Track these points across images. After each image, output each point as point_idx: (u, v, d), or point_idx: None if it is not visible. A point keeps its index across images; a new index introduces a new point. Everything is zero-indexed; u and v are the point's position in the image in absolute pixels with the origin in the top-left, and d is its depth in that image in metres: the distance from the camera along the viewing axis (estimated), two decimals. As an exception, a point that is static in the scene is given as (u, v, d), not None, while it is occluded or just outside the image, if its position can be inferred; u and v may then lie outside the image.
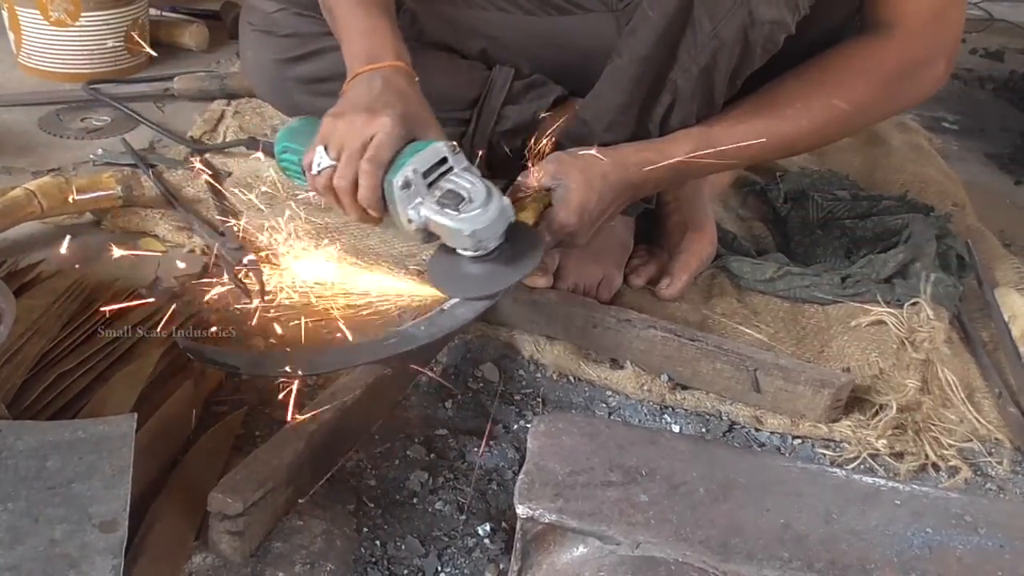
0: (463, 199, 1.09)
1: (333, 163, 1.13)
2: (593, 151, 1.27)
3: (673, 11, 1.20)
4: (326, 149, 1.13)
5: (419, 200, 1.10)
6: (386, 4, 1.26)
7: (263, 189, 1.56)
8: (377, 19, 1.23)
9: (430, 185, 1.10)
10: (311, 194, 1.21)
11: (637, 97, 1.28)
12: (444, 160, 1.11)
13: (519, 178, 1.27)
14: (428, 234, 1.13)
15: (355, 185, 1.12)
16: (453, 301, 1.19)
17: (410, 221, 1.11)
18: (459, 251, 1.12)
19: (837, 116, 1.28)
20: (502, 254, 1.12)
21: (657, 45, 1.23)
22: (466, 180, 1.10)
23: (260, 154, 1.64)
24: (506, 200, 1.11)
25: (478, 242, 1.10)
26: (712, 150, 1.28)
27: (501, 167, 1.52)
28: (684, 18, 1.21)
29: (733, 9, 1.18)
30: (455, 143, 1.14)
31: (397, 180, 1.09)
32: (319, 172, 1.14)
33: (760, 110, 1.29)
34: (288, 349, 1.19)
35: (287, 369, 1.09)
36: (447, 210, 1.09)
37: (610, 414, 1.23)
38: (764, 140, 1.28)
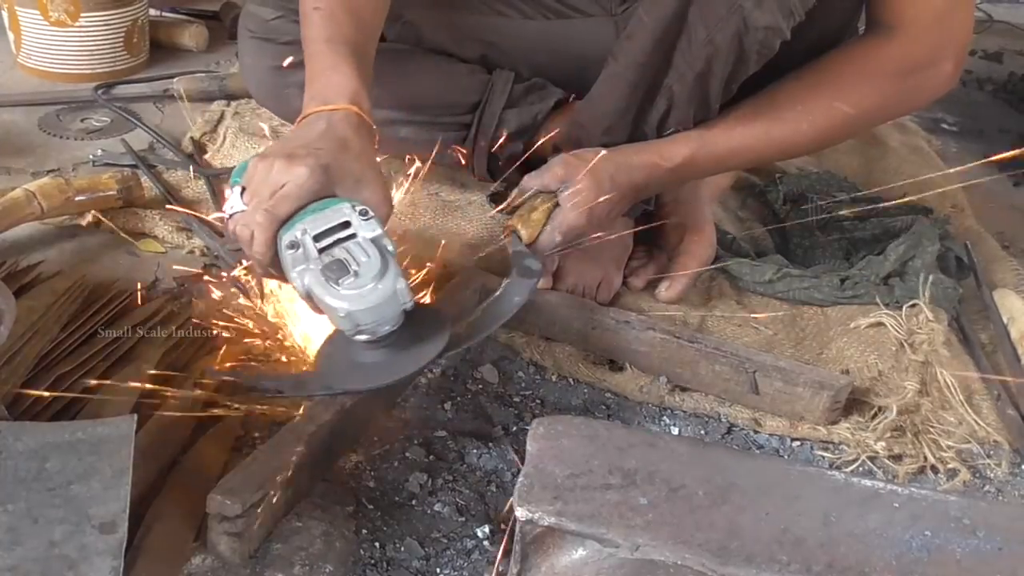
0: (348, 273, 0.96)
1: (244, 208, 1.02)
2: (597, 150, 1.28)
3: (668, 17, 1.20)
4: (243, 192, 1.03)
5: (305, 266, 0.97)
6: (356, 43, 1.17)
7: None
8: (341, 58, 1.13)
9: (322, 250, 0.97)
10: None
11: (633, 102, 1.29)
12: (347, 224, 0.98)
13: (524, 180, 1.28)
14: (316, 305, 1.00)
15: (252, 237, 1.01)
16: (490, 301, 1.17)
17: (296, 287, 0.99)
18: (345, 332, 1.00)
19: (838, 119, 1.28)
20: (400, 339, 1.00)
21: (653, 51, 1.24)
22: (364, 253, 0.97)
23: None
24: (402, 283, 0.98)
25: (356, 326, 0.97)
26: (712, 152, 1.28)
27: (501, 171, 1.52)
28: (679, 24, 1.21)
29: (727, 16, 1.18)
30: (365, 208, 1.01)
31: (285, 238, 0.98)
32: (230, 216, 1.04)
33: (760, 112, 1.29)
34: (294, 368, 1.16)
35: (332, 388, 1.05)
36: (328, 281, 0.96)
37: (609, 416, 1.23)
38: (764, 142, 1.29)
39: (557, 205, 1.25)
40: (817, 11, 1.21)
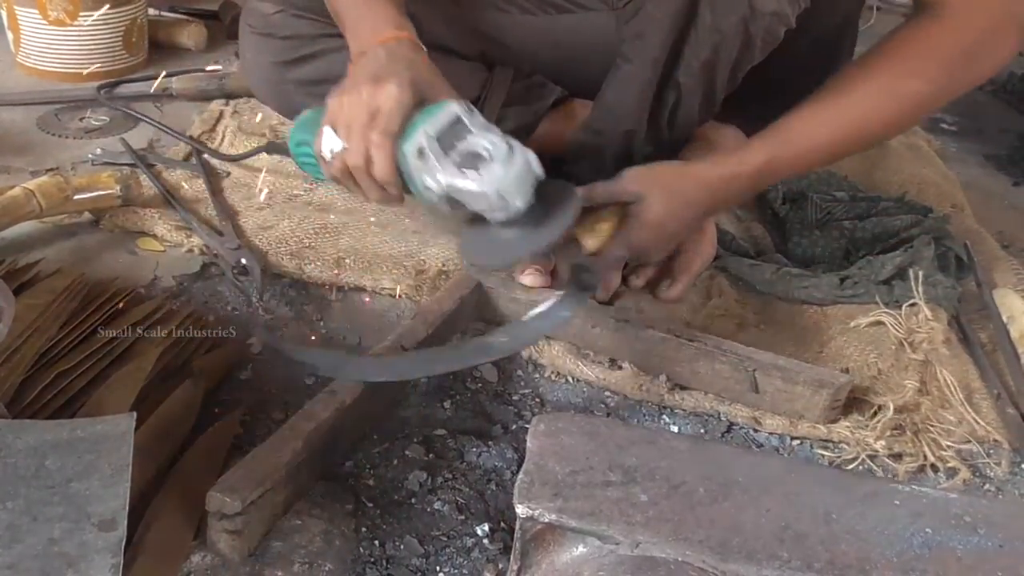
0: (483, 158, 1.02)
1: (344, 144, 1.07)
2: (672, 165, 1.26)
3: (677, 9, 1.20)
4: (335, 130, 1.07)
5: (436, 167, 1.03)
6: None
7: (265, 190, 1.56)
8: (376, 1, 1.17)
9: (447, 150, 1.03)
10: (319, 189, 1.16)
11: (647, 101, 1.28)
12: (459, 120, 1.04)
13: (594, 187, 1.24)
14: (453, 203, 1.05)
15: (369, 162, 1.06)
16: (533, 312, 1.18)
17: (430, 190, 1.05)
18: (488, 216, 1.05)
19: (909, 96, 1.23)
20: (533, 214, 1.06)
21: (663, 46, 1.23)
22: (485, 139, 1.03)
23: (267, 154, 1.62)
24: (531, 153, 1.04)
25: (504, 202, 1.03)
26: (791, 151, 1.24)
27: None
28: (689, 16, 1.20)
29: (734, 2, 1.18)
30: (469, 102, 1.07)
31: (410, 148, 1.03)
32: (331, 156, 1.08)
33: (827, 102, 1.24)
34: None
35: (366, 373, 1.09)
36: (467, 171, 1.02)
37: (608, 415, 1.23)
38: (839, 132, 1.24)
39: (625, 217, 1.22)
40: (822, 3, 1.21)
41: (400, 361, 1.14)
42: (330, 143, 1.07)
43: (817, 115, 1.24)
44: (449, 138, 1.04)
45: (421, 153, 1.03)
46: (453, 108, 1.05)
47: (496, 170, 1.02)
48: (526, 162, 1.03)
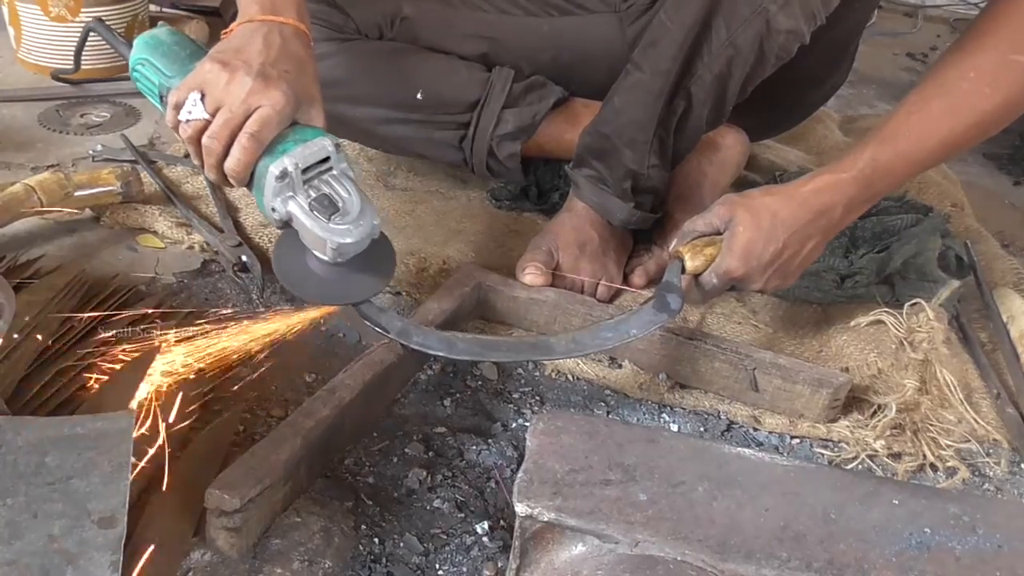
0: (337, 210, 1.03)
1: (207, 118, 1.03)
2: (765, 186, 1.23)
3: (692, 22, 1.20)
4: (202, 98, 1.03)
5: (290, 194, 1.03)
6: None
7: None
8: None
9: (305, 182, 1.03)
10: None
11: (657, 110, 1.28)
12: (327, 159, 1.04)
13: (687, 223, 1.23)
14: (285, 224, 1.06)
15: (226, 151, 1.03)
16: (603, 323, 1.19)
17: (273, 210, 1.04)
18: (311, 249, 1.06)
19: (1019, 71, 1.16)
20: (354, 263, 1.06)
21: (676, 57, 1.23)
22: (343, 188, 1.04)
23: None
24: (377, 220, 1.05)
25: (335, 254, 1.04)
26: (898, 150, 1.18)
27: (500, 170, 1.52)
28: (704, 28, 1.20)
29: (750, 18, 1.18)
30: (339, 141, 1.06)
31: (275, 168, 1.02)
32: (188, 120, 1.04)
33: (932, 95, 1.19)
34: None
35: (430, 347, 1.14)
36: (317, 215, 1.02)
37: (608, 413, 1.23)
38: (949, 123, 1.18)
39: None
40: (832, 16, 1.20)
41: (461, 341, 1.16)
42: (193, 108, 1.04)
43: (925, 109, 1.18)
44: (311, 171, 1.04)
45: (283, 177, 1.02)
46: (326, 145, 1.04)
47: (343, 226, 1.03)
48: (372, 226, 1.04)
